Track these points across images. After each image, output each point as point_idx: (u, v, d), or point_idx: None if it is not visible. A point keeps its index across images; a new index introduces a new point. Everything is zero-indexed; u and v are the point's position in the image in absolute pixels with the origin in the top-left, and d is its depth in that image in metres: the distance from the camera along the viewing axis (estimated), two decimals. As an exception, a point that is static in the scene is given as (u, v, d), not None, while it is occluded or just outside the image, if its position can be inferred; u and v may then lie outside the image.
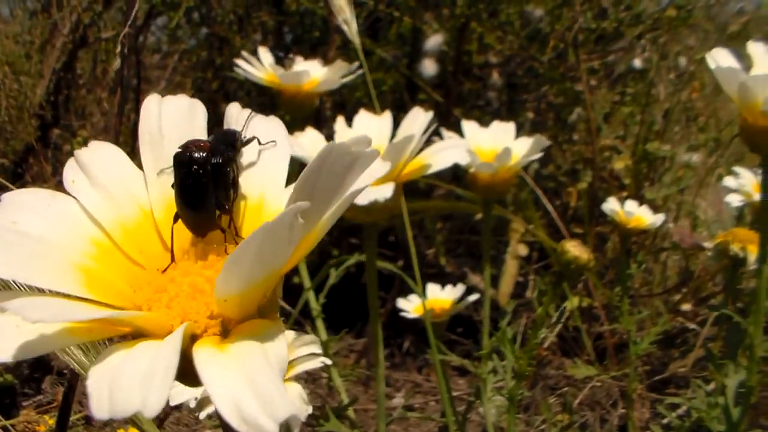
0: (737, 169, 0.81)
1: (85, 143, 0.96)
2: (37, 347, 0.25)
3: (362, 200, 0.53)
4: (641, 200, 1.21)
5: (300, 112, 0.81)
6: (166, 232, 0.35)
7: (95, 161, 0.36)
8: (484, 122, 1.27)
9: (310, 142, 0.64)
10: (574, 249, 0.61)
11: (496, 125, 0.79)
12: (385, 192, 0.53)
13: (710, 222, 1.14)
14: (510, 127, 0.78)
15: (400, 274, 0.79)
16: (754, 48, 0.54)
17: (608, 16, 1.22)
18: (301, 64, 0.86)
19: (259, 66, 0.83)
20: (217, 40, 1.40)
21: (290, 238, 0.25)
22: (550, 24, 1.18)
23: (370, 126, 0.65)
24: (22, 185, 1.35)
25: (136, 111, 1.44)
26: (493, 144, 0.77)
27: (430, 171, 0.58)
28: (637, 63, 1.23)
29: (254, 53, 1.35)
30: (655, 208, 1.24)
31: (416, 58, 1.18)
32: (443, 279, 1.33)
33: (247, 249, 0.24)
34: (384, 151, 0.55)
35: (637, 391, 0.97)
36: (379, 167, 0.29)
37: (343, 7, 0.72)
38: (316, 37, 1.33)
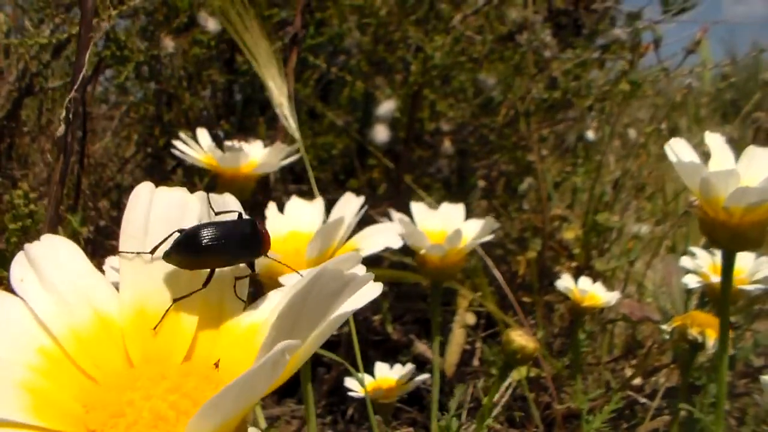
0: (694, 249, 0.80)
1: (25, 197, 0.93)
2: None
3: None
4: (591, 270, 1.21)
5: (240, 194, 0.79)
6: (132, 341, 0.32)
7: (47, 257, 0.33)
8: (434, 189, 1.26)
9: None
10: (520, 338, 0.60)
11: (446, 207, 0.78)
12: None
13: (659, 293, 1.13)
14: (459, 208, 0.78)
15: (341, 362, 0.76)
16: (712, 140, 0.53)
17: (558, 86, 1.23)
18: (243, 145, 0.85)
19: (197, 148, 0.81)
20: (165, 95, 1.38)
21: (273, 376, 0.23)
22: (503, 93, 1.19)
23: (303, 212, 0.64)
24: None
25: (81, 164, 1.41)
26: (442, 225, 0.76)
27: (364, 254, 0.56)
28: (590, 135, 1.23)
29: (203, 111, 1.33)
30: (605, 279, 1.24)
31: (368, 123, 1.17)
32: (389, 346, 1.31)
33: (228, 394, 0.22)
34: (313, 235, 0.54)
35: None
36: (373, 289, 0.28)
37: (283, 103, 0.71)
38: (266, 97, 1.31)
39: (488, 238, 0.72)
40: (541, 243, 1.22)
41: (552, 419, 1.17)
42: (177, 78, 1.35)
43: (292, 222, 0.63)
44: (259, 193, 1.05)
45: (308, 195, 1.32)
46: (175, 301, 0.34)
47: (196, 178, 1.37)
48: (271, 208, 0.63)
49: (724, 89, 1.41)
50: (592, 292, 0.88)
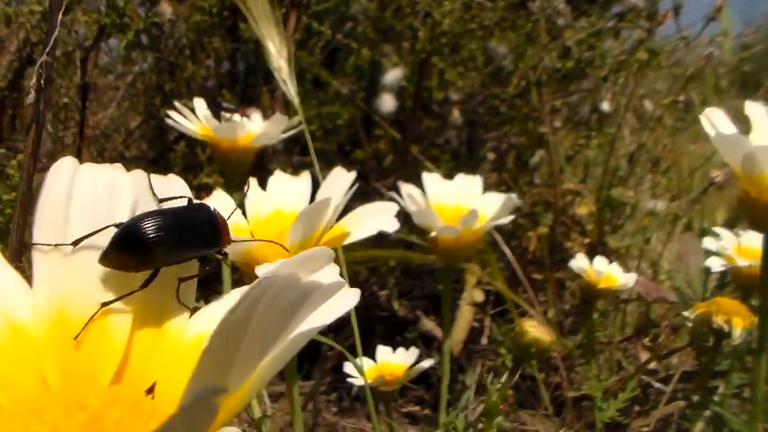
0: (717, 229, 0.75)
1: (19, 167, 0.89)
2: None
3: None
4: (604, 247, 1.17)
5: (237, 167, 0.73)
6: (50, 356, 0.26)
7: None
8: (443, 161, 1.22)
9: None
10: (534, 330, 0.54)
11: (461, 179, 0.72)
12: None
13: (674, 273, 1.09)
14: (476, 181, 0.71)
15: (340, 349, 0.71)
16: (753, 109, 0.47)
17: (572, 56, 1.18)
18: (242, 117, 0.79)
19: (194, 118, 0.75)
20: (167, 64, 1.34)
21: (203, 422, 0.18)
22: (514, 62, 1.14)
23: (287, 189, 0.57)
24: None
25: (81, 135, 1.38)
26: (457, 200, 0.70)
27: (350, 240, 0.50)
28: (605, 106, 1.19)
29: (206, 80, 1.29)
30: (618, 256, 1.20)
31: (374, 92, 1.13)
32: (396, 321, 1.28)
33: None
34: (295, 218, 0.47)
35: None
36: (348, 297, 0.22)
37: (282, 66, 0.66)
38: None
39: (509, 218, 0.66)
40: (552, 218, 1.18)
41: (562, 400, 1.14)
42: (178, 47, 1.32)
43: (276, 200, 0.56)
44: (256, 167, 1.02)
45: (313, 167, 1.28)
46: (103, 305, 0.28)
47: (198, 149, 1.34)
48: (252, 184, 0.58)
49: (745, 60, 1.36)
50: (608, 273, 0.83)
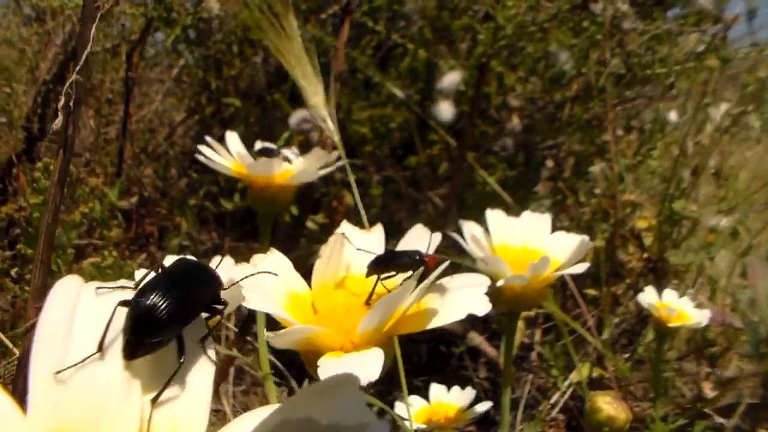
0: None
1: (45, 170, 0.85)
2: None
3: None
4: (664, 263, 1.12)
5: (272, 207, 0.66)
6: None
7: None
8: (498, 169, 1.18)
9: (273, 276, 0.45)
10: (609, 407, 0.49)
11: (528, 216, 0.64)
12: (371, 371, 0.37)
13: (736, 292, 1.04)
14: (544, 219, 0.64)
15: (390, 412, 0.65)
16: None
17: (633, 60, 1.13)
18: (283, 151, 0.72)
19: (226, 153, 0.68)
20: (214, 61, 1.31)
21: None
22: (576, 67, 1.09)
23: (356, 244, 0.48)
24: (3, 201, 1.28)
25: (124, 131, 1.36)
26: (523, 240, 0.63)
27: (435, 325, 0.41)
28: (673, 116, 1.13)
29: (253, 78, 1.25)
30: (676, 273, 1.15)
31: (429, 96, 1.08)
32: (442, 338, 1.24)
33: None
34: (370, 311, 0.39)
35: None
36: None
37: (318, 104, 0.60)
38: (321, 63, 1.23)
39: (584, 266, 0.57)
40: (611, 231, 1.13)
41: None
42: (226, 43, 1.29)
43: (345, 260, 0.48)
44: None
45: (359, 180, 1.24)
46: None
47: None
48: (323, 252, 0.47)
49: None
50: (680, 309, 0.76)
